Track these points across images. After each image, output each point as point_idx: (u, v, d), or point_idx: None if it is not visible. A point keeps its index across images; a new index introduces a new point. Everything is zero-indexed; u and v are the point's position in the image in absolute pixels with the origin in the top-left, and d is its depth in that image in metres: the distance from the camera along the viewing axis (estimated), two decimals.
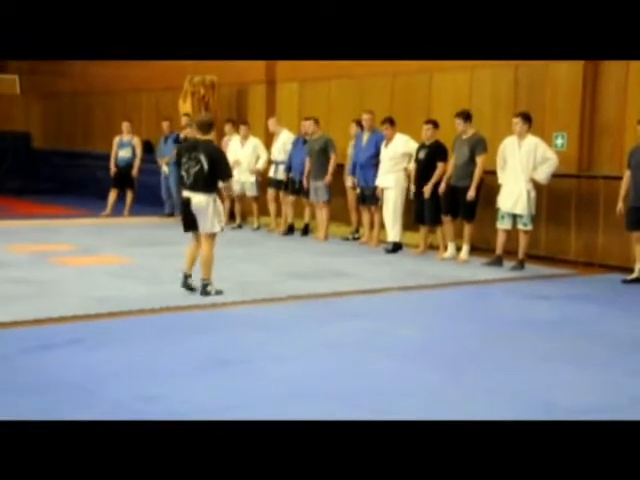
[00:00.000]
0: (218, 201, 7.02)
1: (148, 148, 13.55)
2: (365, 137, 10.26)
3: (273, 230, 11.69)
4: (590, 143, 9.01)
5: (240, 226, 12.12)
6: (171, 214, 12.98)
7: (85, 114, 17.25)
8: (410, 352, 5.44)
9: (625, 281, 7.91)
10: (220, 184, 7.15)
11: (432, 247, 9.70)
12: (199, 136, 7.05)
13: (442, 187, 9.01)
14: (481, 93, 9.90)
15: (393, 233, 9.81)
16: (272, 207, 11.80)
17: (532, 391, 4.60)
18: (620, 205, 7.92)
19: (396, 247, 9.78)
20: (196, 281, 7.05)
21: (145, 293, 6.99)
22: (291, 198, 11.35)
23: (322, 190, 10.77)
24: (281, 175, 11.53)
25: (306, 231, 11.29)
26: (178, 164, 7.08)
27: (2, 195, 16.24)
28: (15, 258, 8.78)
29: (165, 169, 12.81)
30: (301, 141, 11.21)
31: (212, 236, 7.02)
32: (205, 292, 6.96)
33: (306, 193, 11.08)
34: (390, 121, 9.73)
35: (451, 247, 9.18)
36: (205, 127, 7.00)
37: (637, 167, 7.75)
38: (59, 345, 5.34)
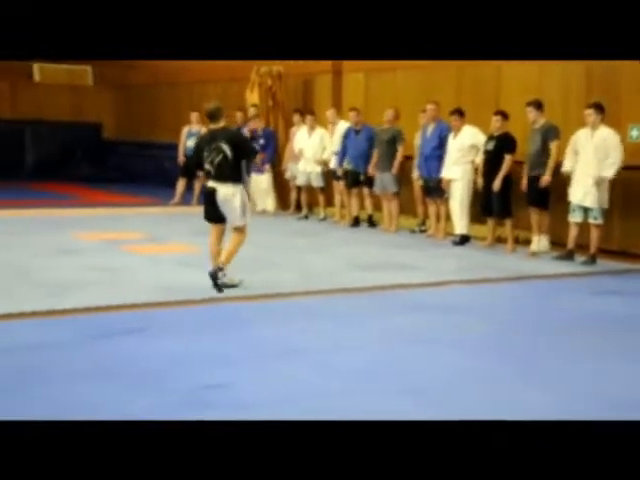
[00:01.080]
0: (244, 191, 6.88)
1: None
2: (430, 128, 10.16)
3: (338, 221, 11.69)
4: None
5: (307, 217, 12.16)
6: None
7: (153, 105, 17.53)
8: (477, 345, 5.37)
9: None
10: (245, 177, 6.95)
11: (500, 240, 9.55)
12: (212, 125, 6.88)
13: (523, 183, 8.88)
14: (551, 83, 9.68)
15: (460, 225, 9.70)
16: (337, 198, 11.81)
17: (608, 388, 4.50)
18: None
19: (463, 240, 9.67)
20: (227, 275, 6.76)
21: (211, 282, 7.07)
22: (354, 190, 11.34)
23: (390, 182, 10.71)
24: (334, 166, 11.56)
25: (372, 223, 11.26)
26: (199, 159, 6.86)
27: (74, 184, 16.67)
28: (87, 245, 9.00)
29: None
30: (352, 132, 11.19)
31: (242, 228, 6.87)
32: (215, 276, 6.66)
33: (369, 184, 11.06)
34: (459, 112, 9.62)
35: (544, 239, 8.98)
36: (215, 115, 6.80)
37: None
38: (129, 332, 5.46)
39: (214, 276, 6.67)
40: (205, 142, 6.90)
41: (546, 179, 8.67)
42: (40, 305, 6.01)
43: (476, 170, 9.54)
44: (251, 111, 12.61)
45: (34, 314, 5.81)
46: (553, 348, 5.36)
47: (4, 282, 6.88)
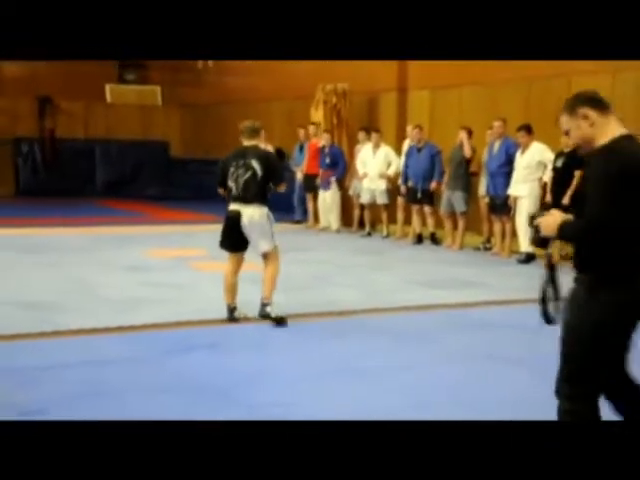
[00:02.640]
0: (270, 213, 6.32)
1: (279, 155, 13.86)
2: (496, 145, 10.07)
3: (400, 238, 11.68)
4: None
5: (369, 234, 12.18)
6: (300, 221, 13.31)
7: (219, 123, 17.82)
8: (542, 363, 5.27)
9: None
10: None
11: (566, 258, 9.38)
12: (246, 142, 6.38)
13: None
14: (624, 97, 9.49)
15: (526, 243, 9.56)
16: (400, 215, 11.83)
17: None
18: None
19: (529, 258, 9.53)
20: (240, 307, 6.39)
21: (279, 299, 7.13)
22: (416, 207, 11.33)
23: (460, 200, 10.67)
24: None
25: (435, 240, 11.20)
26: (224, 177, 6.32)
27: (143, 202, 17.06)
28: (156, 263, 9.19)
29: (300, 176, 13.11)
30: (415, 149, 11.18)
31: (274, 253, 6.33)
32: (264, 314, 6.22)
33: (429, 201, 11.03)
34: (527, 128, 9.51)
35: None
36: (251, 132, 6.36)
37: None
38: (198, 348, 5.55)
39: (265, 316, 6.25)
40: (232, 158, 6.35)
41: None
42: (112, 321, 6.17)
43: (544, 187, 9.41)
44: (311, 129, 12.79)
45: (107, 330, 5.97)
46: None
47: (76, 298, 7.08)
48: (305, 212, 13.41)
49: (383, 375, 5.03)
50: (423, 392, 4.68)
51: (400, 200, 11.70)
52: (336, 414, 4.23)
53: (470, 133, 10.48)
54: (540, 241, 3.31)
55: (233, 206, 6.26)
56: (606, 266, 3.09)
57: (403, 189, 11.49)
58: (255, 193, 6.19)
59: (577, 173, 8.88)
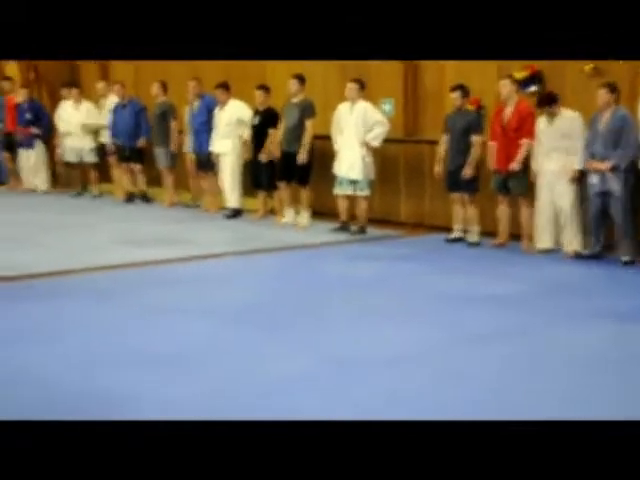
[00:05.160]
0: None
1: None
2: (196, 103, 10.15)
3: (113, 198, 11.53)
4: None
5: (80, 194, 11.84)
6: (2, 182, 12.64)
7: None
8: (230, 314, 5.57)
9: (447, 240, 8.39)
10: None
11: (272, 212, 9.84)
12: None
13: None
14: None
15: (232, 198, 9.86)
16: (114, 174, 11.65)
17: (332, 345, 4.85)
18: (437, 168, 8.35)
19: (236, 213, 9.85)
20: None
21: None
22: (125, 165, 11.20)
23: (162, 156, 10.70)
24: (106, 140, 11.40)
25: (147, 198, 11.17)
26: None
27: None
28: None
29: None
30: (120, 107, 11.04)
31: None
32: None
33: (139, 159, 11.02)
34: (224, 86, 9.72)
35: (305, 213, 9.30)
36: None
37: (451, 132, 8.18)
38: None
39: None
40: None
41: (301, 157, 8.98)
42: None
43: (245, 144, 9.72)
44: (5, 85, 12.05)
45: None
46: (303, 311, 5.69)
47: None
48: (5, 173, 12.64)
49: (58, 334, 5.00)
50: (116, 347, 4.75)
51: (112, 158, 11.47)
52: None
53: (165, 87, 10.60)
54: None
55: None
56: None
57: (112, 147, 11.25)
58: None
59: (271, 131, 9.30)
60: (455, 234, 8.38)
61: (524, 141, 7.64)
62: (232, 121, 9.72)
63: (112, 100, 11.22)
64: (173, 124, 10.60)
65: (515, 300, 5.97)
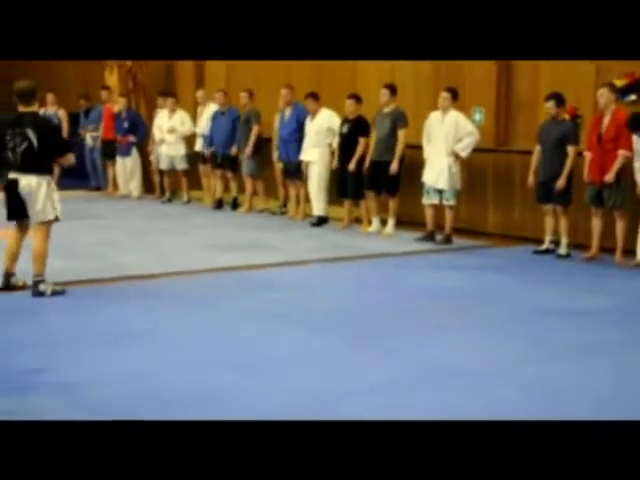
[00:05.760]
0: (52, 184, 6.11)
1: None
2: (287, 112, 10.26)
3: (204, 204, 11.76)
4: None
5: (170, 200, 12.12)
6: (100, 188, 13.10)
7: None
8: (318, 322, 5.57)
9: (536, 252, 8.19)
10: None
11: (357, 221, 9.83)
12: (21, 108, 6.02)
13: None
14: (404, 71, 9.99)
15: (318, 207, 9.91)
16: (204, 181, 11.88)
17: (425, 354, 4.79)
18: (530, 179, 8.18)
19: (321, 220, 9.89)
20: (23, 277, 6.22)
21: (63, 265, 6.96)
22: (218, 172, 11.41)
23: (250, 164, 10.86)
24: (200, 148, 11.63)
25: (236, 205, 11.35)
26: (1, 143, 5.96)
27: None
28: None
29: (89, 140, 12.88)
30: (219, 114, 11.23)
31: (46, 225, 6.06)
32: (38, 291, 5.97)
33: (232, 166, 11.17)
34: (314, 96, 9.80)
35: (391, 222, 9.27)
36: (26, 97, 6.00)
37: (546, 142, 8.00)
38: None
39: (39, 293, 5.97)
40: (8, 125, 5.97)
41: (394, 167, 8.95)
42: None
43: (333, 153, 9.76)
44: (104, 94, 12.48)
45: None
46: (390, 320, 5.64)
47: None
48: (104, 179, 13.12)
49: (165, 338, 5.10)
50: (207, 352, 4.82)
51: (202, 167, 11.71)
52: (100, 376, 4.28)
53: (251, 95, 10.78)
54: None
55: (11, 175, 6.01)
56: None
57: (207, 154, 11.48)
58: (33, 165, 5.94)
59: (361, 139, 9.31)
60: (545, 246, 8.18)
61: (620, 152, 7.42)
62: (322, 130, 9.78)
63: (211, 108, 11.44)
64: (255, 129, 10.74)
65: (610, 314, 5.80)
